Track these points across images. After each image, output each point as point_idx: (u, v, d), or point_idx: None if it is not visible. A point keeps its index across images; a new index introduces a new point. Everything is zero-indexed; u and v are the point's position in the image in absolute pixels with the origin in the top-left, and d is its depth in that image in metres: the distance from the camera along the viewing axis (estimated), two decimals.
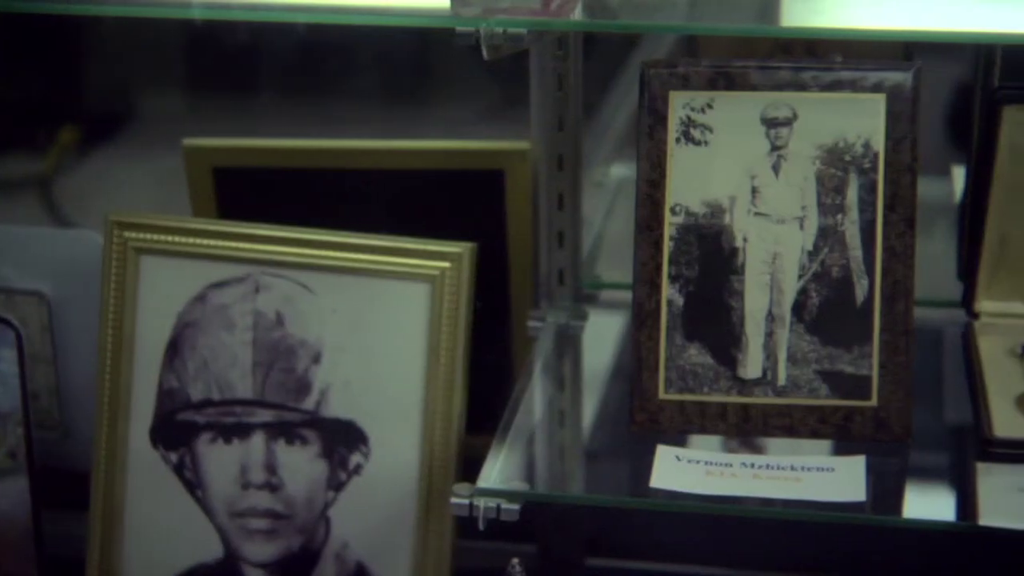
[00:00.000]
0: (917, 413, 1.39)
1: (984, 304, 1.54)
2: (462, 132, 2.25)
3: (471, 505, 1.35)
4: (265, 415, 1.52)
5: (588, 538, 1.70)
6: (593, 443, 1.51)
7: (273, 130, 1.93)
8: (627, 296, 1.41)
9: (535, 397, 1.51)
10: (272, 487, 1.53)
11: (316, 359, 1.51)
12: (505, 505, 1.35)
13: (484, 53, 1.32)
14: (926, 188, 1.80)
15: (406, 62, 2.43)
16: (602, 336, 1.61)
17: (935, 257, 1.67)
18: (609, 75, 2.03)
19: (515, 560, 1.34)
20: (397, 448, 1.50)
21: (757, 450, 1.41)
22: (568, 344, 1.61)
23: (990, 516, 1.29)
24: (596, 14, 1.44)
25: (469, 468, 1.41)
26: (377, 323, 1.50)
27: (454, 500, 1.36)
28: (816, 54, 1.67)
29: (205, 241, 1.53)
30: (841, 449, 1.39)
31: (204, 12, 1.42)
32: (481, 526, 1.35)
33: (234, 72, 2.41)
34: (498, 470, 1.38)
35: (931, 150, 1.82)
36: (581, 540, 1.72)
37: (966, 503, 1.33)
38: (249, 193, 1.68)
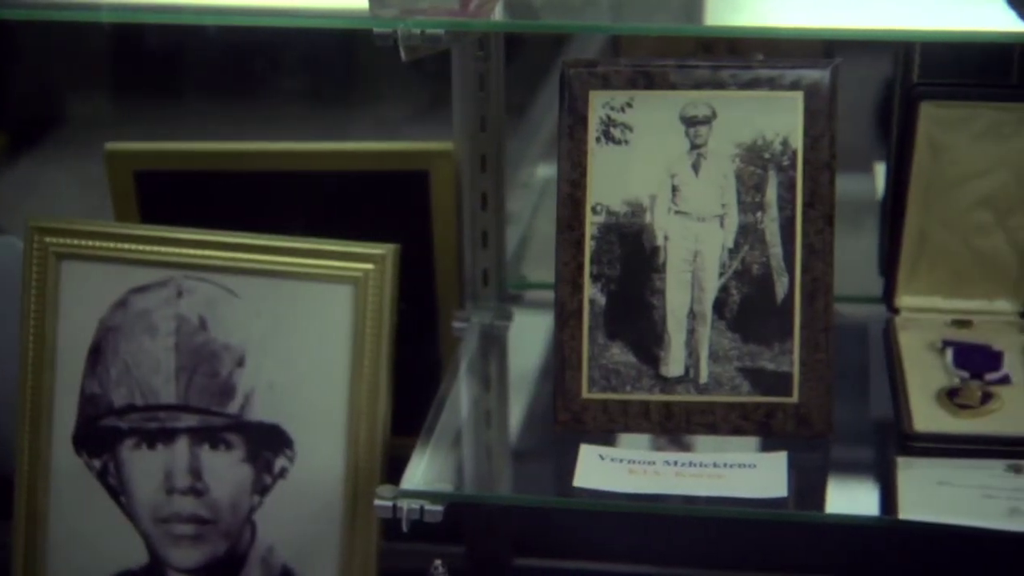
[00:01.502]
0: (839, 408, 1.40)
1: (905, 299, 1.55)
2: (391, 133, 2.25)
3: (395, 507, 1.35)
4: (189, 420, 1.51)
5: (516, 538, 1.70)
6: (518, 443, 1.50)
7: (200, 133, 1.92)
8: (553, 296, 1.42)
9: (460, 398, 1.51)
10: (197, 492, 1.52)
11: (240, 363, 1.50)
12: (429, 506, 1.35)
13: (402, 54, 1.31)
14: (850, 185, 1.82)
15: (334, 63, 2.43)
16: (528, 336, 1.61)
17: (859, 253, 1.68)
18: (539, 76, 2.04)
19: (437, 561, 1.34)
20: (322, 451, 1.49)
21: (680, 448, 1.42)
22: (493, 344, 1.61)
23: (910, 510, 1.30)
24: (518, 14, 1.44)
25: (398, 470, 1.41)
26: (301, 326, 1.49)
27: (378, 502, 1.36)
28: (738, 53, 1.68)
29: (127, 246, 1.52)
30: (763, 445, 1.40)
31: (113, 15, 1.41)
32: (405, 528, 1.35)
33: (161, 76, 2.40)
34: (422, 472, 1.38)
35: (855, 147, 1.83)
36: (509, 540, 1.72)
37: (887, 497, 1.34)
38: (172, 197, 1.67)
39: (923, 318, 1.54)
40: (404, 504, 1.35)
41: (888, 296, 1.55)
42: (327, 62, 2.41)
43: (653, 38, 1.71)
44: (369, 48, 1.31)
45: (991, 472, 1.33)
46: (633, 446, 1.41)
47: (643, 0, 1.46)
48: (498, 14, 1.40)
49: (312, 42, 2.32)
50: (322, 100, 2.48)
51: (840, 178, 1.80)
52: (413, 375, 1.55)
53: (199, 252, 1.50)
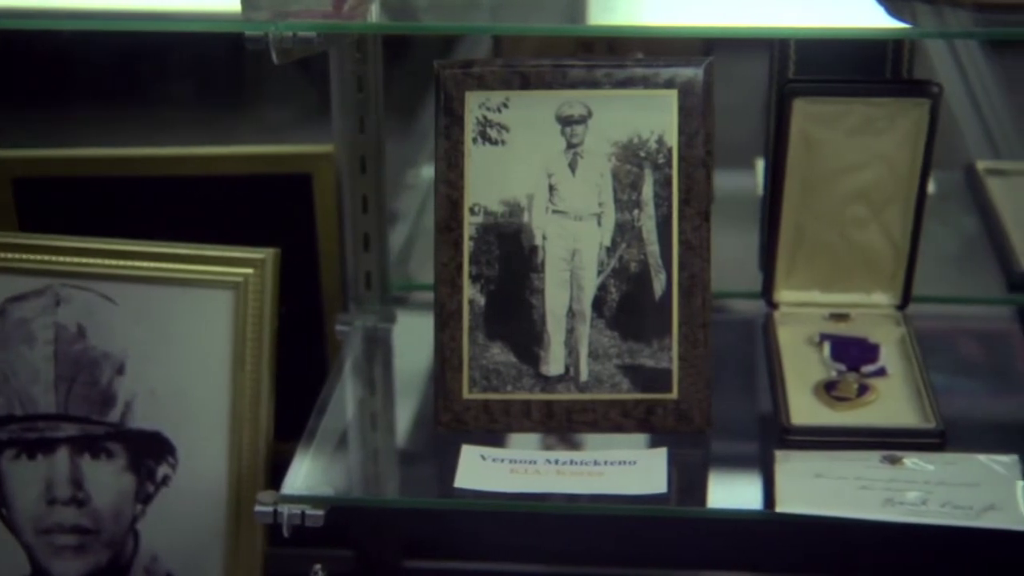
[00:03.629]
0: (719, 404, 1.41)
1: (783, 294, 1.57)
2: (279, 136, 2.23)
3: (275, 512, 1.34)
4: (69, 429, 1.49)
5: (405, 540, 1.69)
6: (403, 445, 1.50)
7: (82, 140, 1.90)
8: None
9: (343, 401, 1.51)
10: (79, 502, 1.50)
11: (120, 370, 1.49)
12: (310, 511, 1.34)
13: (274, 57, 1.31)
14: (731, 181, 1.84)
15: (221, 67, 2.41)
16: (413, 337, 1.60)
17: (740, 249, 1.69)
18: (428, 77, 2.03)
19: (317, 566, 1.33)
20: (205, 458, 1.48)
21: (562, 446, 1.42)
22: (377, 347, 1.61)
23: (787, 503, 1.31)
24: (396, 15, 1.44)
25: (284, 475, 1.40)
26: (181, 332, 1.48)
27: (258, 508, 1.35)
28: (617, 52, 1.68)
29: (3, 254, 1.50)
30: (645, 442, 1.41)
31: None
32: (286, 533, 1.34)
33: (41, 81, 2.37)
34: (303, 476, 1.38)
35: (737, 144, 1.85)
36: (398, 542, 1.71)
37: (767, 491, 1.35)
38: (51, 204, 1.65)
39: (801, 312, 1.56)
40: (284, 509, 1.34)
41: (767, 291, 1.57)
42: (213, 66, 2.39)
43: (534, 39, 1.71)
44: (256, 51, 1.30)
45: (867, 463, 1.35)
46: (520, 446, 1.42)
47: (525, 1, 1.46)
48: (374, 15, 1.40)
49: (198, 46, 2.30)
50: (208, 104, 2.45)
51: (722, 175, 1.83)
52: (300, 379, 1.54)
53: (77, 260, 1.49)
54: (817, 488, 1.32)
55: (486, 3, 1.45)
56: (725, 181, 1.84)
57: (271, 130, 2.33)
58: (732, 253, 1.69)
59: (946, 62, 2.16)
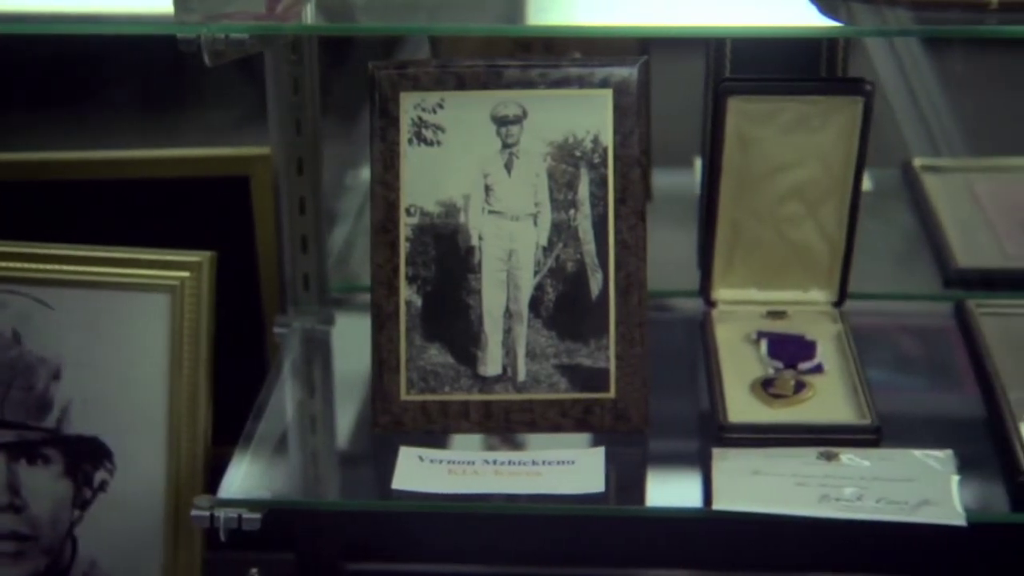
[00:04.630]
0: (657, 402, 1.42)
1: (721, 292, 1.57)
2: (222, 138, 2.22)
3: (212, 516, 1.34)
4: (5, 435, 1.48)
5: (346, 543, 1.69)
6: (342, 447, 1.50)
7: (20, 144, 1.88)
8: None
9: (282, 404, 1.50)
10: (15, 508, 1.49)
11: (56, 375, 1.48)
12: (247, 514, 1.34)
13: (206, 59, 1.30)
14: (670, 180, 1.84)
15: (161, 69, 2.40)
16: (352, 339, 1.60)
17: (680, 248, 1.70)
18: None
19: (254, 571, 1.33)
20: (143, 463, 1.48)
21: (500, 447, 1.42)
22: (316, 349, 1.61)
23: (724, 500, 1.31)
24: (332, 16, 1.44)
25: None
26: (118, 336, 1.47)
27: (195, 512, 1.34)
28: (555, 53, 1.69)
29: None
30: (583, 441, 1.41)
31: None
32: (223, 537, 1.34)
33: None
34: (240, 479, 1.37)
35: (676, 142, 1.85)
36: (339, 545, 1.71)
37: (705, 489, 1.35)
38: None
39: (739, 310, 1.56)
40: (221, 513, 1.34)
41: (705, 289, 1.57)
42: (153, 68, 2.37)
43: (473, 40, 1.71)
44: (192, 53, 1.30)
45: (804, 460, 1.35)
46: (460, 447, 1.42)
47: (463, 2, 1.46)
48: (308, 17, 1.40)
49: (138, 48, 2.29)
50: (148, 107, 2.44)
51: (661, 173, 1.84)
52: (240, 382, 1.54)
53: (11, 265, 1.48)
54: (754, 485, 1.33)
55: (425, 4, 1.45)
56: (664, 180, 1.85)
57: (212, 133, 2.32)
58: (671, 252, 1.70)
59: (886, 60, 2.17)
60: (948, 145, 2.09)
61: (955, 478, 1.33)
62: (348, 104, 1.96)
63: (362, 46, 2.16)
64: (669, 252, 1.69)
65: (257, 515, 1.33)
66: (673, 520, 1.42)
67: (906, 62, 2.22)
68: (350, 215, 1.82)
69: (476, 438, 1.43)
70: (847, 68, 1.58)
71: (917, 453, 1.36)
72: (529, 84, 1.40)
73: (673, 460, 1.45)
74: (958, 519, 1.29)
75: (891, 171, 1.91)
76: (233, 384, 1.51)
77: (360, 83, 1.95)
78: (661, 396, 1.45)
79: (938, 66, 2.25)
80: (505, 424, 1.41)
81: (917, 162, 1.91)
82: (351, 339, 1.60)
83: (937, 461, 1.35)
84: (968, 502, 1.31)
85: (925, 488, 1.32)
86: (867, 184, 1.73)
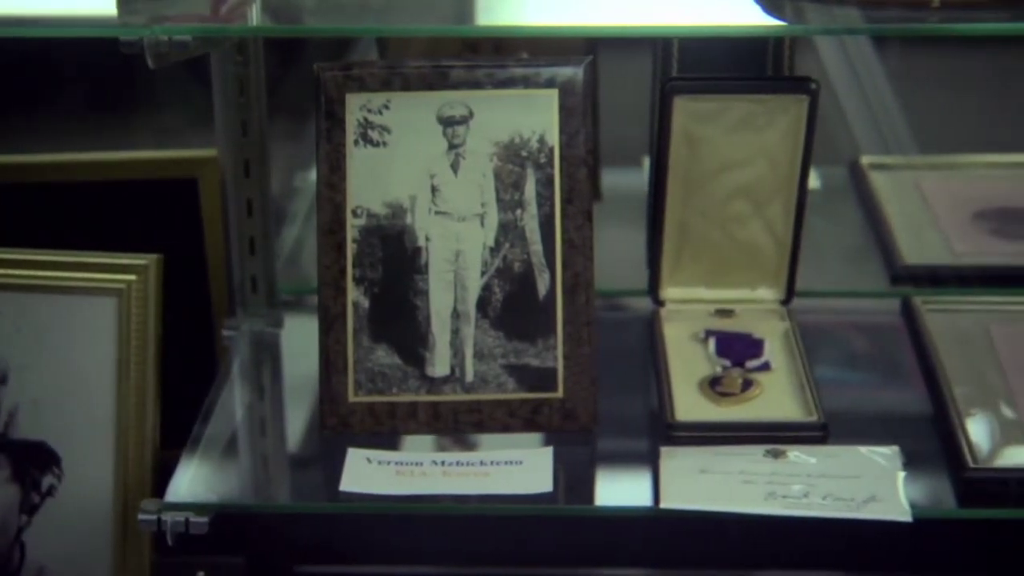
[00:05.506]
0: (606, 402, 1.42)
1: (669, 291, 1.57)
2: (175, 141, 2.21)
3: (159, 520, 1.33)
4: None
5: (297, 545, 1.68)
6: (290, 450, 1.49)
7: None
8: None
9: (230, 406, 1.50)
10: None
11: (2, 380, 1.47)
12: (194, 518, 1.33)
13: (149, 62, 1.30)
14: (620, 179, 1.85)
15: (111, 71, 2.39)
16: (301, 341, 1.59)
17: (629, 247, 1.70)
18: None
19: (200, 573, 1.32)
20: (91, 467, 1.47)
21: (449, 447, 1.42)
22: (265, 351, 1.60)
23: (671, 499, 1.32)
24: (279, 18, 1.43)
25: None
26: (65, 340, 1.47)
27: (142, 516, 1.34)
28: (503, 53, 1.69)
29: None
30: (532, 441, 1.41)
31: None
32: (169, 541, 1.33)
33: None
34: (187, 483, 1.37)
35: (625, 142, 1.86)
36: (289, 548, 1.70)
37: (653, 487, 1.36)
38: None
39: (687, 309, 1.56)
40: (168, 517, 1.33)
41: (653, 288, 1.58)
42: (102, 70, 2.36)
43: (421, 41, 1.71)
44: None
45: (751, 458, 1.36)
46: (411, 448, 1.41)
47: (414, 2, 1.46)
48: (254, 18, 1.39)
49: (87, 50, 2.28)
50: (101, 110, 2.43)
51: (611, 173, 1.85)
52: (191, 385, 1.53)
53: None
54: (701, 483, 1.33)
55: (373, 5, 1.45)
56: (615, 179, 1.85)
57: (163, 135, 2.31)
58: (621, 251, 1.70)
59: (835, 59, 2.18)
60: (897, 143, 2.11)
61: (901, 474, 1.34)
62: (299, 105, 1.95)
63: (314, 48, 2.16)
64: (619, 251, 1.69)
65: (204, 519, 1.33)
66: (622, 519, 1.43)
67: (856, 61, 2.23)
68: (300, 216, 1.82)
69: (425, 439, 1.43)
70: (794, 67, 1.59)
71: (863, 450, 1.37)
72: (475, 84, 1.40)
73: (621, 459, 1.45)
74: (904, 515, 1.30)
75: (839, 169, 1.92)
76: (184, 387, 1.50)
77: (310, 83, 1.94)
78: (610, 395, 1.45)
79: (887, 64, 2.26)
80: (453, 425, 1.41)
81: (865, 160, 1.92)
82: (300, 341, 1.60)
83: (883, 457, 1.36)
84: (914, 497, 1.32)
85: (871, 484, 1.33)
86: (815, 182, 1.74)
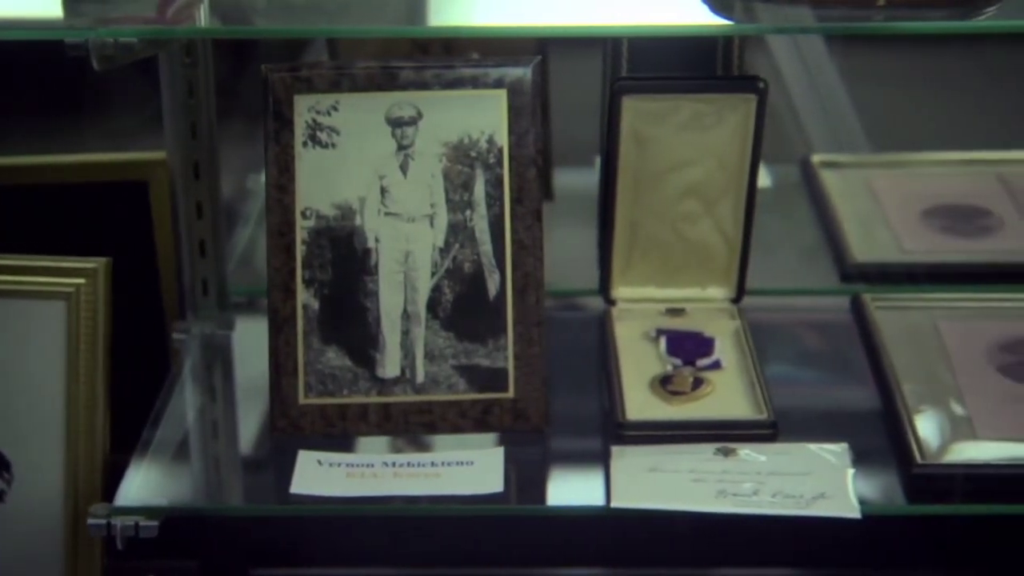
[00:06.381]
0: (557, 402, 1.42)
1: (620, 290, 1.58)
2: (128, 143, 2.20)
3: (109, 524, 1.33)
4: None
5: (251, 548, 1.68)
6: (242, 452, 1.49)
7: None
8: None
9: (181, 409, 1.49)
10: None
11: None
12: (144, 522, 1.33)
13: (94, 64, 1.29)
14: (572, 179, 1.85)
15: (61, 73, 2.37)
16: (252, 343, 1.58)
17: (581, 247, 1.70)
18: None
19: None
20: (40, 472, 1.46)
21: (400, 448, 1.42)
22: (216, 354, 1.60)
23: (622, 498, 1.32)
24: (226, 18, 1.43)
25: None
26: (13, 344, 1.46)
27: (91, 521, 1.33)
28: (453, 54, 1.69)
29: None
30: (483, 442, 1.41)
31: None
32: (119, 545, 1.33)
33: None
34: (137, 487, 1.36)
35: (577, 142, 1.86)
36: (243, 551, 1.70)
37: (604, 487, 1.36)
38: None
39: (638, 308, 1.57)
40: (118, 521, 1.33)
41: (604, 288, 1.58)
42: (53, 72, 2.35)
43: (372, 43, 1.71)
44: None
45: (701, 456, 1.36)
46: (363, 450, 1.41)
47: (364, 3, 1.46)
48: (202, 19, 1.39)
49: (38, 53, 2.27)
50: (49, 113, 2.42)
51: (563, 173, 1.85)
52: (143, 389, 1.53)
53: None
54: (652, 482, 1.33)
55: (325, 6, 1.45)
56: (567, 179, 1.86)
57: (113, 137, 2.30)
58: (573, 251, 1.70)
59: (787, 57, 2.19)
60: (848, 141, 2.11)
61: (850, 471, 1.35)
62: (251, 107, 1.95)
63: (267, 49, 2.15)
64: (570, 251, 1.69)
65: (154, 523, 1.33)
66: (574, 519, 1.43)
67: (807, 59, 2.24)
68: (252, 218, 1.82)
69: (377, 440, 1.43)
70: (744, 66, 1.59)
71: (813, 447, 1.38)
72: (424, 85, 1.40)
73: (573, 459, 1.45)
74: (852, 512, 1.30)
75: (790, 167, 1.92)
76: (135, 391, 1.50)
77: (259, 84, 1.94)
78: (561, 395, 1.46)
79: (839, 63, 2.27)
80: (404, 426, 1.41)
81: (816, 158, 1.93)
82: (251, 343, 1.59)
83: (832, 455, 1.37)
84: (863, 494, 1.33)
85: (821, 482, 1.33)
86: (766, 181, 1.75)
